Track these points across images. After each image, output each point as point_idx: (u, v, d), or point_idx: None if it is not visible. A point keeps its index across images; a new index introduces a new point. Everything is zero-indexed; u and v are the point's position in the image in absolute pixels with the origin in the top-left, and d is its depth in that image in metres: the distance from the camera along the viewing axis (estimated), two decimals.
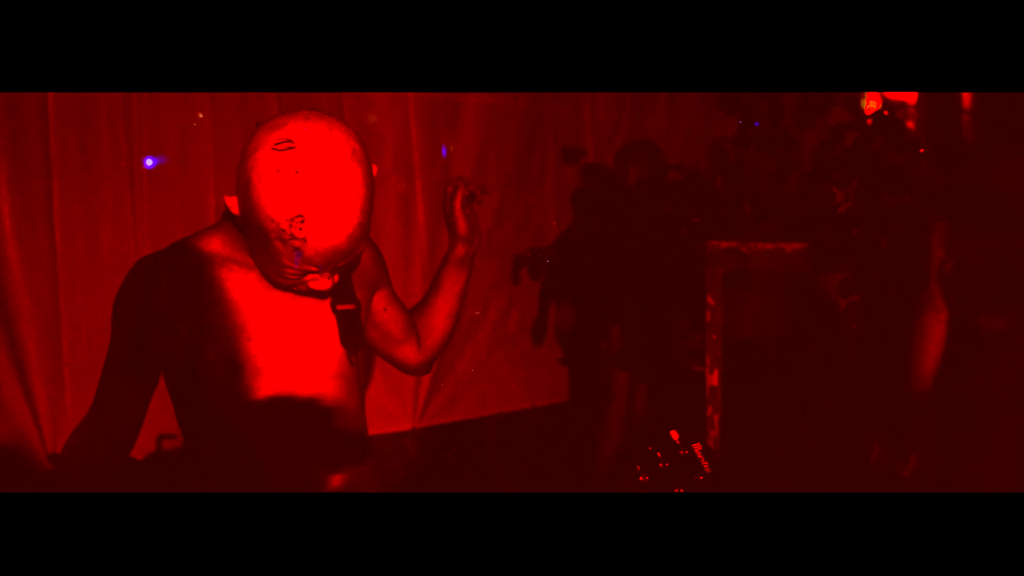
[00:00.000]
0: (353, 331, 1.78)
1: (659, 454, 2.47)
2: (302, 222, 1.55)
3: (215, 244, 1.73)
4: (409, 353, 2.04)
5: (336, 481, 1.78)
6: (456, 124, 5.46)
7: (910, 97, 7.08)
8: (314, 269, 1.63)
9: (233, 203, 1.65)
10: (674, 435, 2.53)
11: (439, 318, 2.03)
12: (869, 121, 4.53)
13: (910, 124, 7.12)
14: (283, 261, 1.62)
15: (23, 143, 4.20)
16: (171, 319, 1.67)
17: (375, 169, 1.67)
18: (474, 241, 2.00)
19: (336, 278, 1.67)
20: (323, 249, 1.58)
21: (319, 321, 1.76)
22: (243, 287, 1.71)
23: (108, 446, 1.71)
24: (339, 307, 1.78)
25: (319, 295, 1.74)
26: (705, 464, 2.47)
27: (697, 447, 2.53)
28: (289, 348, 1.73)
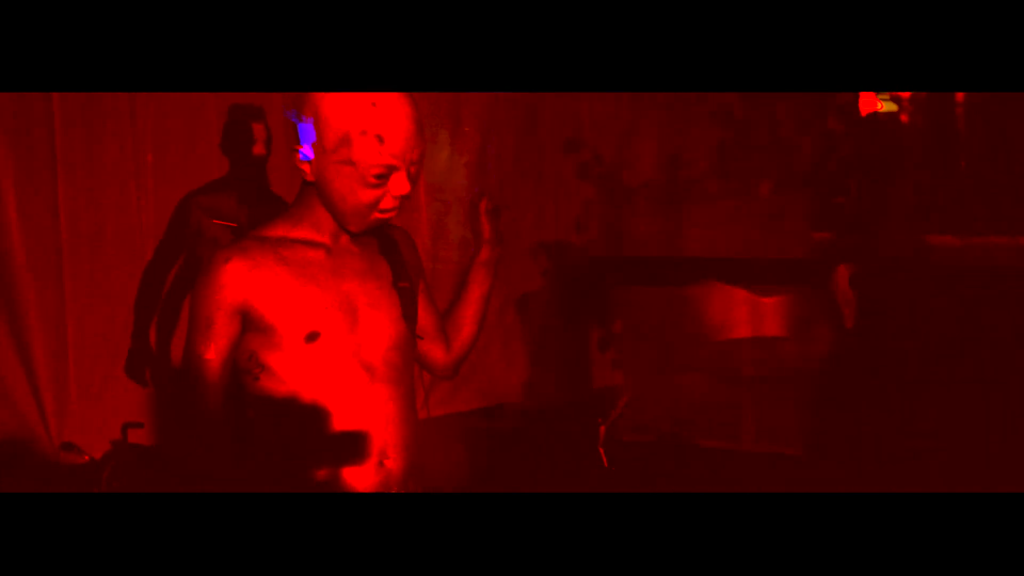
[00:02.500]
0: (411, 306, 1.96)
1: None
2: (374, 104, 1.77)
3: (281, 230, 1.88)
4: (438, 353, 2.13)
5: (392, 450, 1.89)
6: (459, 116, 5.48)
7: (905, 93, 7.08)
8: (396, 163, 1.78)
9: (306, 167, 1.83)
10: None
11: (465, 319, 2.13)
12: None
13: (904, 118, 7.12)
14: (368, 161, 1.78)
15: (29, 138, 4.23)
16: (255, 302, 1.82)
17: None
18: (498, 246, 2.11)
19: (410, 187, 1.83)
20: (400, 134, 1.78)
21: (382, 296, 1.92)
22: (313, 264, 1.86)
23: (216, 432, 1.83)
24: (399, 284, 1.94)
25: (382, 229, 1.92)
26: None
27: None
28: (359, 320, 1.88)
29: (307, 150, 1.81)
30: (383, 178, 1.81)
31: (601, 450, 2.78)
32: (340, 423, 1.84)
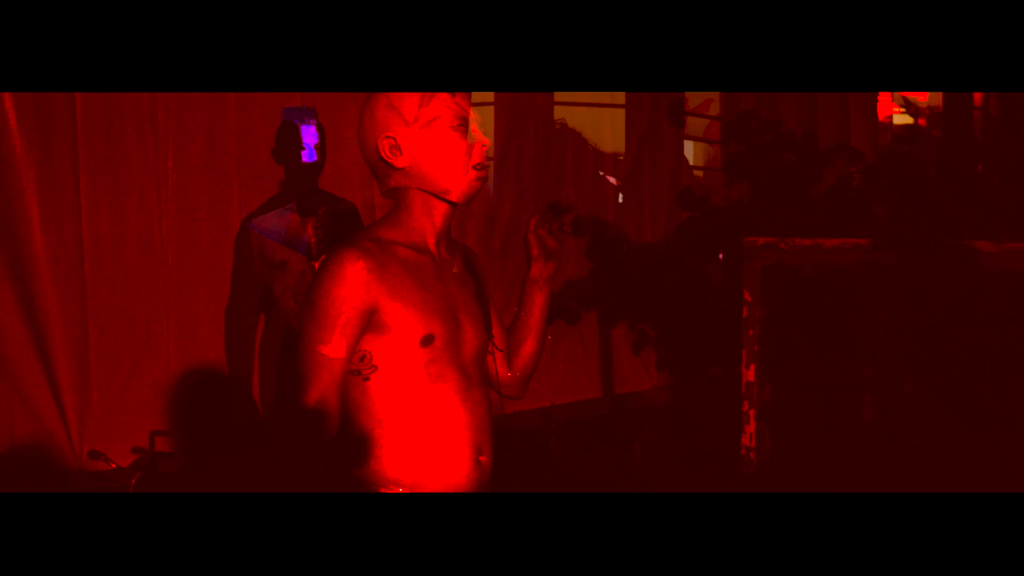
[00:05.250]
0: (490, 320, 2.07)
1: None
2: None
3: (389, 233, 1.93)
4: (503, 370, 2.17)
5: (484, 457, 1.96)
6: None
7: (927, 97, 7.06)
8: (467, 114, 1.93)
9: (396, 154, 1.92)
10: None
11: (523, 337, 2.17)
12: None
13: (922, 122, 7.11)
14: (448, 112, 1.91)
15: (51, 141, 4.22)
16: (382, 303, 1.85)
17: None
18: (549, 262, 2.13)
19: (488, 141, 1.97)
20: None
21: (473, 305, 2.01)
22: (423, 269, 1.93)
23: (325, 438, 1.85)
24: (482, 298, 2.05)
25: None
26: None
27: None
28: (460, 326, 1.96)
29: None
30: (463, 127, 1.92)
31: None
32: (447, 422, 1.90)
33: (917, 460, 4.06)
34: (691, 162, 6.76)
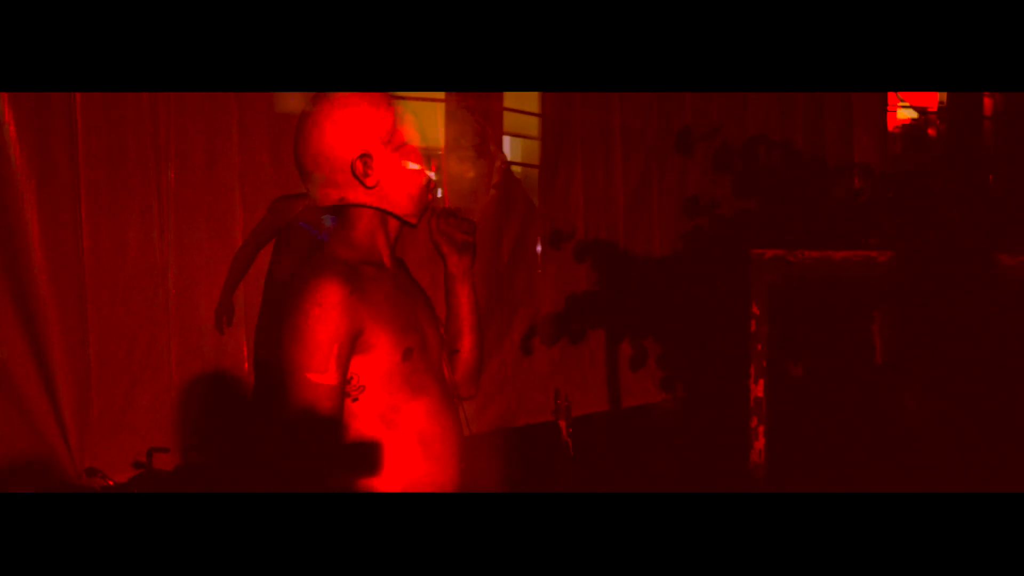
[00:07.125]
0: (439, 324, 2.07)
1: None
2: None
3: (348, 253, 1.90)
4: (448, 372, 2.15)
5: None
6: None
7: (932, 101, 7.05)
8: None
9: (369, 173, 1.88)
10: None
11: (456, 334, 2.15)
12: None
13: (931, 132, 7.09)
14: (414, 137, 1.90)
15: (51, 154, 4.21)
16: (365, 326, 1.84)
17: None
18: (463, 255, 2.10)
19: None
20: (409, 117, 1.93)
21: (428, 314, 2.01)
22: (388, 285, 1.91)
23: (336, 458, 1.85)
24: (429, 304, 2.05)
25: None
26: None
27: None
28: (425, 336, 1.96)
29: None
30: (425, 150, 1.90)
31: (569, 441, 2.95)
32: (435, 432, 1.91)
33: (919, 461, 4.06)
34: (508, 157, 5.99)
